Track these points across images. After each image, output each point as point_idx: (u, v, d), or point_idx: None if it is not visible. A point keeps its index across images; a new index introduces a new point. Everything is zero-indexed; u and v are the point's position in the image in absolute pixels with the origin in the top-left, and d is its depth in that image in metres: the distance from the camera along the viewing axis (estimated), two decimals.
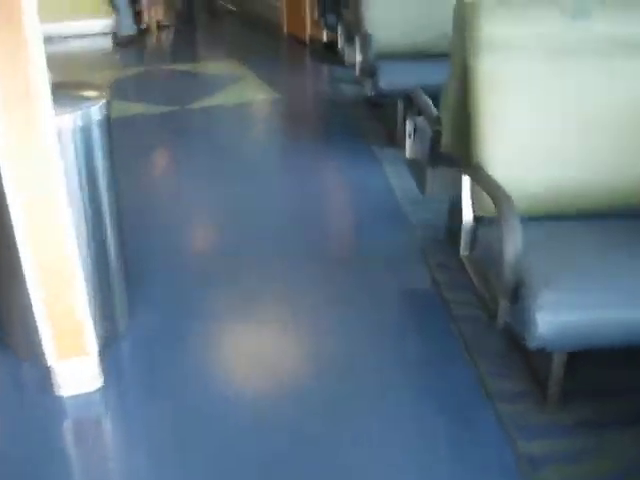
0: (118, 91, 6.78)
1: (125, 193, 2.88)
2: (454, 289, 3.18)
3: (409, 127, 3.55)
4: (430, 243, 3.65)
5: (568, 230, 2.49)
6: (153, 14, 9.33)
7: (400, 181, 4.32)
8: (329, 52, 7.68)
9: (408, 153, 3.60)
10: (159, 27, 9.47)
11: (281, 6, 9.16)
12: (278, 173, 4.77)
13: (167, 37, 9.45)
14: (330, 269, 3.48)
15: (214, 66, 7.81)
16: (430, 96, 3.42)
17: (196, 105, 6.11)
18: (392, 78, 4.72)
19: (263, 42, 9.10)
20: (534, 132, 2.52)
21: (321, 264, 3.53)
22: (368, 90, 4.94)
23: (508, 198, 2.22)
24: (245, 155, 5.04)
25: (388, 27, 5.13)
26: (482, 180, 2.47)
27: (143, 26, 9.41)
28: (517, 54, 2.49)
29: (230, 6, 11.82)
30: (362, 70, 5.15)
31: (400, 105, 4.86)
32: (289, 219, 4.07)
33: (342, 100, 6.21)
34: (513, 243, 2.09)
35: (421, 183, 3.31)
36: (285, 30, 9.16)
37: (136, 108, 6.11)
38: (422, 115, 3.39)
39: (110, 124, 2.66)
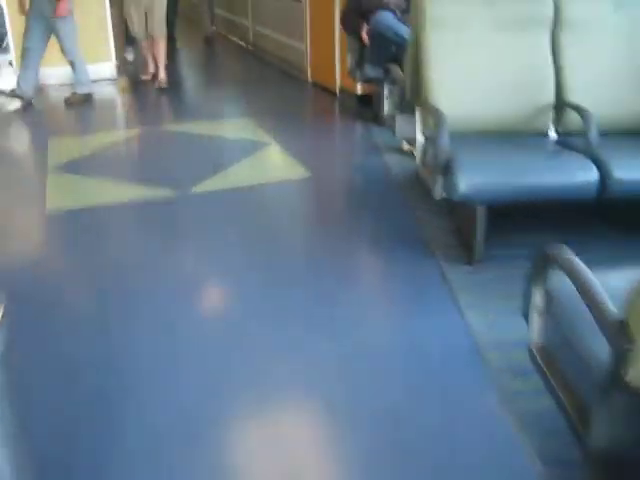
0: (98, 164, 5.39)
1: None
2: None
3: (539, 299, 2.16)
4: None
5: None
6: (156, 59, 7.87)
7: (496, 344, 2.92)
8: (364, 106, 6.31)
9: (536, 336, 2.21)
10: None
11: (305, 50, 7.77)
12: (312, 312, 3.32)
13: (169, 85, 7.93)
14: None
15: (225, 127, 6.37)
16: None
17: (200, 188, 4.70)
18: (477, 178, 3.33)
19: (283, 92, 7.69)
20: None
21: None
22: (437, 191, 3.51)
23: None
24: (263, 283, 3.56)
25: (464, 97, 3.78)
26: None
27: (145, 76, 8.06)
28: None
29: (243, 43, 10.49)
30: (427, 160, 3.74)
31: (481, 211, 3.45)
32: (323, 398, 2.67)
33: (391, 181, 4.79)
34: None
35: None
36: (309, 77, 7.76)
37: (117, 192, 4.72)
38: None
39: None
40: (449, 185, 3.35)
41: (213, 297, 3.57)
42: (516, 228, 3.81)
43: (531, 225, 3.82)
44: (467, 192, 3.29)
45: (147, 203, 4.50)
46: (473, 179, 3.30)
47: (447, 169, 3.36)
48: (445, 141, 3.41)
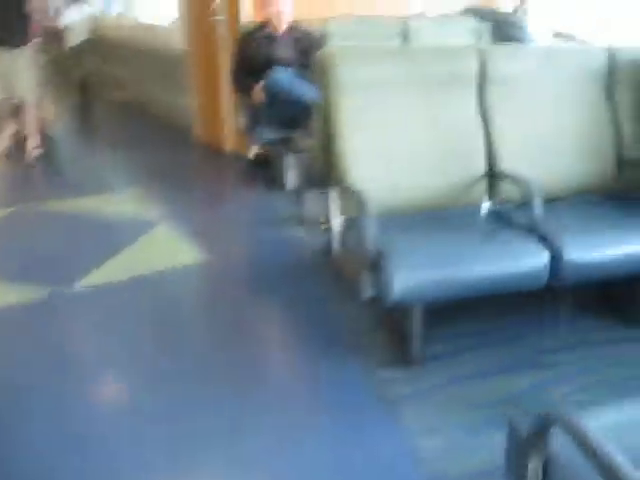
0: None
1: None
2: None
3: (537, 469, 1.66)
4: None
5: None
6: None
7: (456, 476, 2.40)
8: (260, 169, 5.72)
9: None
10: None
11: (192, 108, 7.15)
12: (209, 442, 2.67)
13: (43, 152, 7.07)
14: None
15: (109, 203, 5.60)
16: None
17: (82, 283, 4.00)
18: (412, 278, 2.80)
19: (172, 155, 6.98)
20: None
21: None
22: (365, 291, 2.95)
23: None
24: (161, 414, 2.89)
25: (385, 172, 3.32)
26: None
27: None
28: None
29: (123, 98, 9.77)
30: (349, 250, 3.20)
31: (417, 311, 2.92)
32: None
33: (301, 262, 4.21)
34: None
35: None
36: (198, 138, 7.13)
37: None
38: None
39: None
40: (379, 288, 2.80)
41: (95, 420, 2.88)
42: (455, 315, 3.31)
43: (472, 310, 3.32)
44: (402, 296, 2.76)
45: (20, 307, 3.77)
46: (408, 280, 2.76)
47: (375, 267, 2.81)
48: (370, 233, 2.87)
